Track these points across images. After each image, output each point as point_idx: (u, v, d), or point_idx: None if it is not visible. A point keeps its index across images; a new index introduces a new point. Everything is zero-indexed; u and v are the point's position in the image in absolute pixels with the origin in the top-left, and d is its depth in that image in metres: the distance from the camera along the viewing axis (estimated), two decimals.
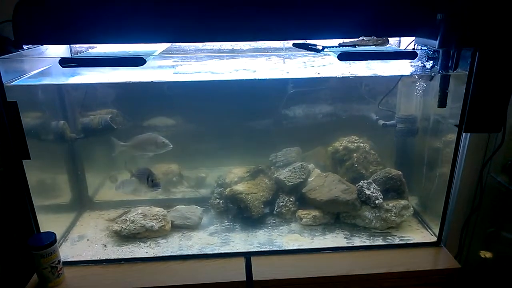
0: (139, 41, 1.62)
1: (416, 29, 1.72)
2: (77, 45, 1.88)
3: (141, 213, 1.94)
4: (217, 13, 1.62)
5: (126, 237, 1.90)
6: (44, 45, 1.67)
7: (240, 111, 2.16)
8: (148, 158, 2.11)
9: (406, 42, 1.85)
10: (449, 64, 1.60)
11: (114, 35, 1.54)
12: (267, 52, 1.98)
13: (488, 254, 2.10)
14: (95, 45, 1.85)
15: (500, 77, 1.57)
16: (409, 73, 1.79)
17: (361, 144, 2.13)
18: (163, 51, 1.86)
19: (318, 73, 1.67)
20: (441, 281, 1.70)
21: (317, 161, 2.30)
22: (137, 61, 1.44)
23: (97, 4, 1.49)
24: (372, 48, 1.65)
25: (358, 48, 1.62)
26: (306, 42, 1.53)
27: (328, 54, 1.57)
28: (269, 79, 1.73)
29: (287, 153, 2.27)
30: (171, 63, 1.85)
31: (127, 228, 1.89)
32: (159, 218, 1.94)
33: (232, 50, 2.05)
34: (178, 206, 2.08)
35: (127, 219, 1.92)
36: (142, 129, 2.09)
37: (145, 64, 1.43)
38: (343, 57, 1.52)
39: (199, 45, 1.93)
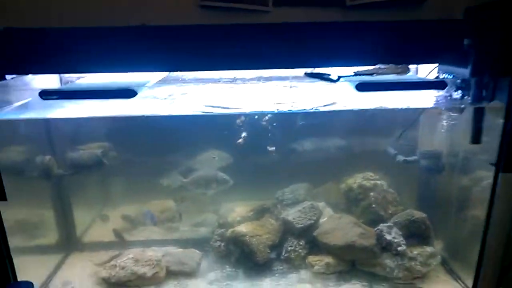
0: (132, 70, 1.47)
1: (439, 55, 1.54)
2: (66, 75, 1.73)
3: (132, 257, 1.74)
4: (222, 41, 1.48)
5: (115, 285, 1.69)
6: (30, 75, 1.51)
7: (244, 145, 1.97)
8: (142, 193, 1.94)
9: (425, 70, 1.66)
10: (483, 95, 1.39)
11: (103, 64, 1.38)
12: (271, 81, 1.80)
13: None
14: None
15: None
16: (436, 105, 1.58)
17: (378, 182, 1.92)
18: (160, 80, 1.70)
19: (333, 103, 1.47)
20: None
21: (328, 199, 2.09)
22: (126, 93, 1.27)
23: (82, 32, 1.34)
24: (392, 77, 1.46)
25: (376, 77, 1.43)
26: (317, 72, 1.35)
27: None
28: (277, 112, 1.54)
29: (295, 190, 2.07)
30: (169, 93, 1.68)
31: (116, 275, 1.69)
32: (153, 264, 1.73)
33: (234, 80, 1.88)
34: (174, 249, 1.87)
35: (117, 264, 1.72)
36: (140, 164, 1.92)
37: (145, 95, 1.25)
38: (362, 87, 1.33)
39: (197, 74, 1.78)
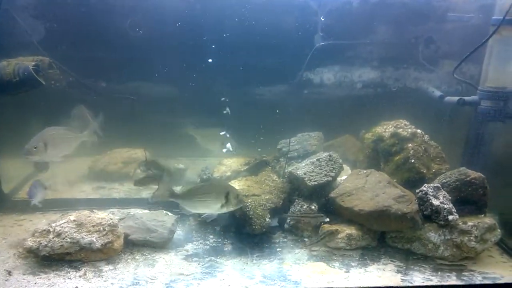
0: None
1: None
2: None
3: (74, 220, 1.22)
4: None
5: (47, 259, 1.19)
6: None
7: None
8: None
9: None
10: None
11: None
12: None
13: None
14: None
15: None
16: None
17: (418, 131, 1.45)
18: None
19: None
20: None
21: (346, 154, 1.62)
22: None
23: None
24: None
25: None
26: None
27: None
28: None
29: (304, 140, 1.59)
30: None
31: (49, 245, 1.18)
32: (104, 230, 1.23)
33: None
34: (137, 212, 1.35)
35: (51, 230, 1.19)
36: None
37: None
38: None
39: None
